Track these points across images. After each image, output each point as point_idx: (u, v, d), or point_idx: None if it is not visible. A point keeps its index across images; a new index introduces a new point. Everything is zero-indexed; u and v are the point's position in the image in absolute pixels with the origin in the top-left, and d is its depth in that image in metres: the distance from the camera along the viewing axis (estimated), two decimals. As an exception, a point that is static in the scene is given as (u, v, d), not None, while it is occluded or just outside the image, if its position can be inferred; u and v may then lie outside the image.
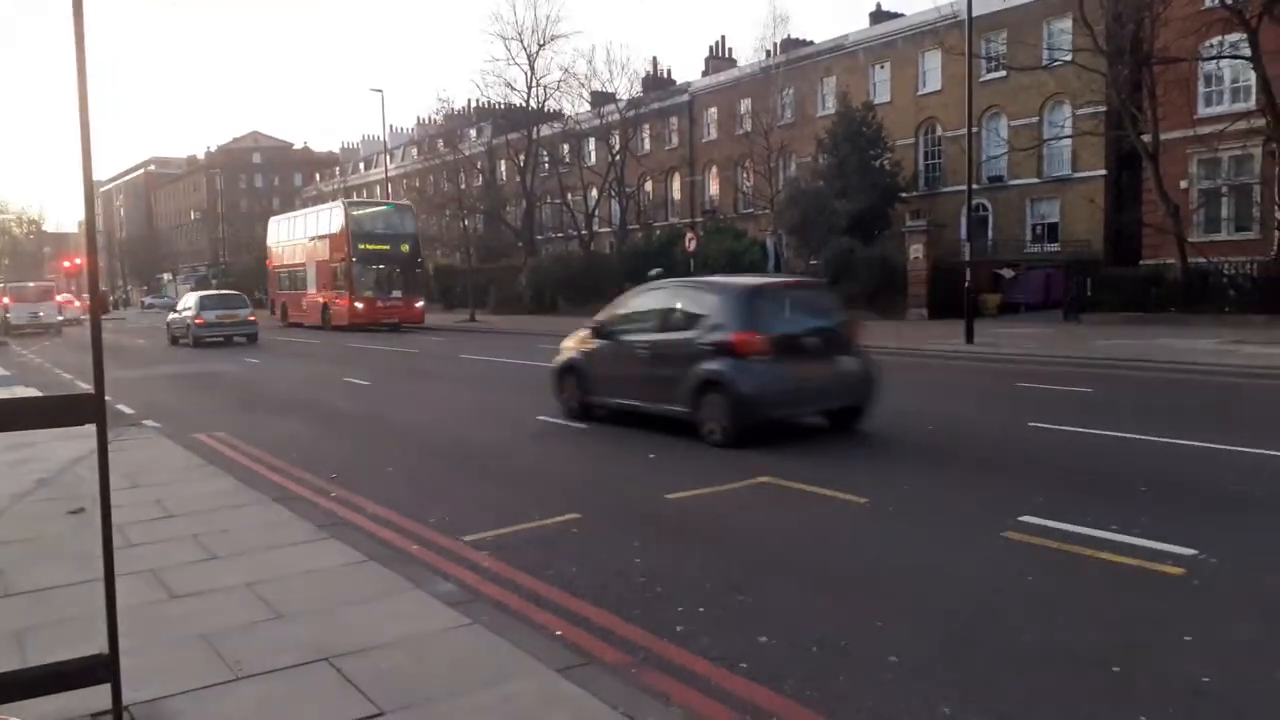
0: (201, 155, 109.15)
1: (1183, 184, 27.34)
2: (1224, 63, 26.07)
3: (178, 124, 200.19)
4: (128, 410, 12.94)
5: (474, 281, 42.63)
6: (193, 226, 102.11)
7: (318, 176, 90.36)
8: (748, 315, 9.37)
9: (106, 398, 3.26)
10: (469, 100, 57.35)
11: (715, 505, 6.86)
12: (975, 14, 21.62)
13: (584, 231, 46.91)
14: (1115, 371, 14.97)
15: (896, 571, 5.31)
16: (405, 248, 36.29)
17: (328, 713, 3.48)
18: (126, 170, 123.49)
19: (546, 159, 49.43)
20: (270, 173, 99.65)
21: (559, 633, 4.41)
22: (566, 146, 48.65)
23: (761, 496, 7.13)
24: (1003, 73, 32.06)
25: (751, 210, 41.86)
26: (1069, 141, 31.34)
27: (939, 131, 36.63)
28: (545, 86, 45.69)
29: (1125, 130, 25.83)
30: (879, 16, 40.61)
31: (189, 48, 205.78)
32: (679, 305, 10.29)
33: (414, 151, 68.07)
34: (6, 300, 38.48)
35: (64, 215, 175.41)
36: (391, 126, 72.36)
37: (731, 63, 47.35)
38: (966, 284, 20.17)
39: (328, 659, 3.94)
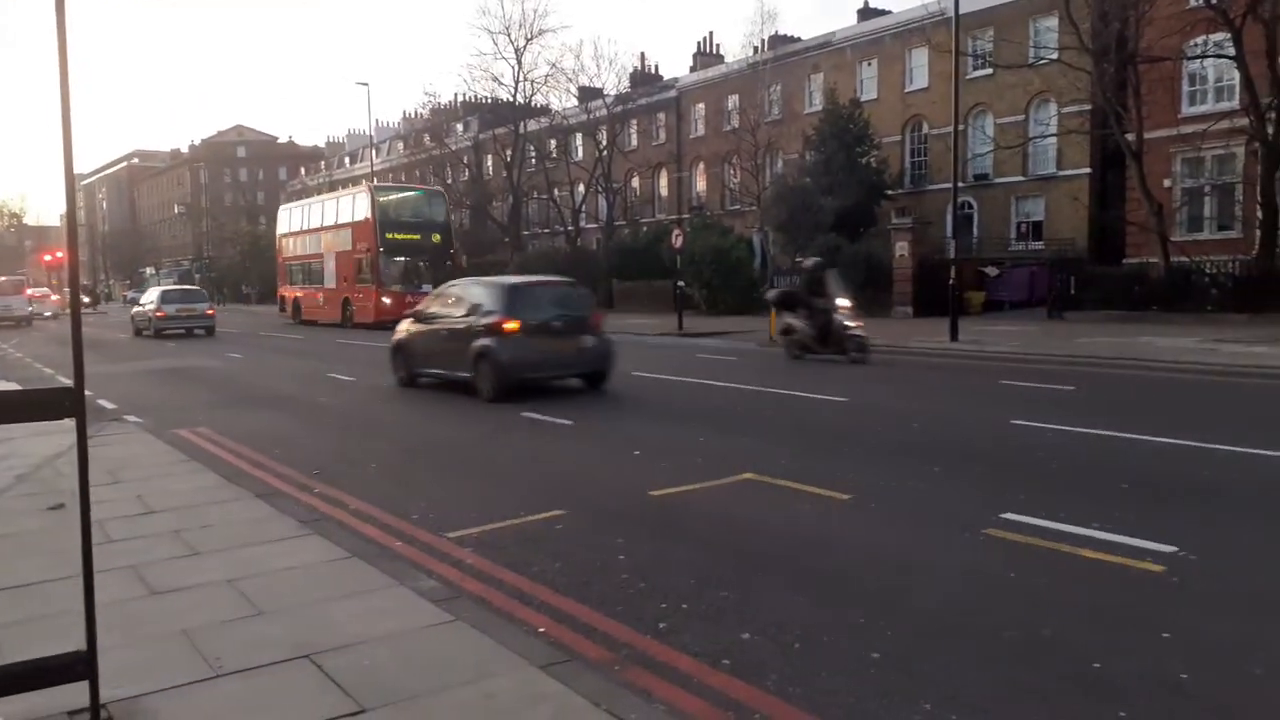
0: (185, 149, 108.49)
1: (1166, 183, 27.53)
2: (1208, 62, 26.29)
3: (161, 117, 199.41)
4: (109, 405, 12.85)
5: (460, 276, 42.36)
6: (176, 220, 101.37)
7: (303, 170, 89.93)
8: (510, 305, 12.36)
9: (87, 392, 3.23)
10: (455, 94, 57.38)
11: (699, 502, 6.86)
12: (962, 11, 21.69)
13: (570, 227, 46.87)
14: (1098, 370, 15.05)
15: (879, 568, 5.32)
16: (437, 238, 32.98)
17: (309, 710, 3.46)
18: (109, 163, 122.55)
19: (533, 154, 49.19)
20: (255, 167, 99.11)
21: (541, 629, 4.40)
22: (554, 142, 48.45)
23: (745, 493, 7.13)
24: (989, 70, 32.21)
25: (738, 207, 41.89)
26: (1054, 140, 31.53)
27: (925, 129, 36.76)
28: (533, 81, 45.60)
29: (1110, 129, 25.97)
30: (867, 14, 40.71)
31: (173, 40, 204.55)
32: (467, 297, 13.34)
33: (400, 146, 67.79)
34: None
35: (46, 208, 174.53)
36: (377, 121, 72.25)
37: (719, 59, 47.41)
38: (951, 281, 20.25)
39: (309, 656, 3.92)
